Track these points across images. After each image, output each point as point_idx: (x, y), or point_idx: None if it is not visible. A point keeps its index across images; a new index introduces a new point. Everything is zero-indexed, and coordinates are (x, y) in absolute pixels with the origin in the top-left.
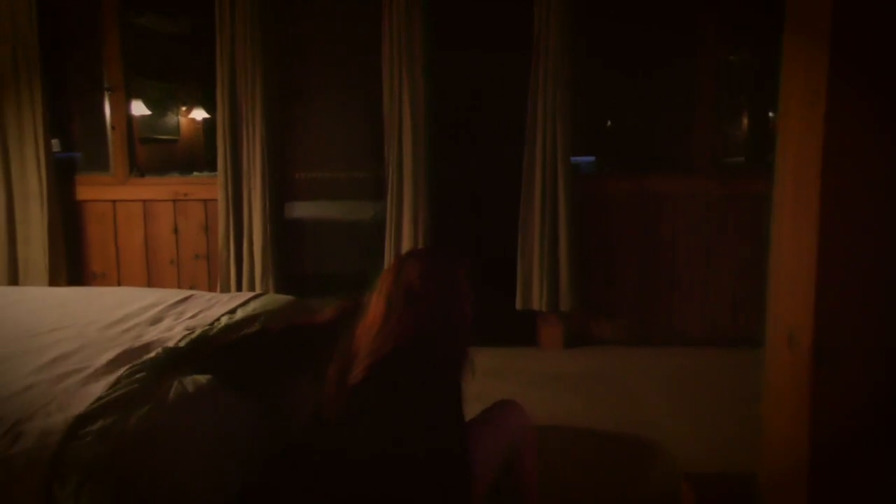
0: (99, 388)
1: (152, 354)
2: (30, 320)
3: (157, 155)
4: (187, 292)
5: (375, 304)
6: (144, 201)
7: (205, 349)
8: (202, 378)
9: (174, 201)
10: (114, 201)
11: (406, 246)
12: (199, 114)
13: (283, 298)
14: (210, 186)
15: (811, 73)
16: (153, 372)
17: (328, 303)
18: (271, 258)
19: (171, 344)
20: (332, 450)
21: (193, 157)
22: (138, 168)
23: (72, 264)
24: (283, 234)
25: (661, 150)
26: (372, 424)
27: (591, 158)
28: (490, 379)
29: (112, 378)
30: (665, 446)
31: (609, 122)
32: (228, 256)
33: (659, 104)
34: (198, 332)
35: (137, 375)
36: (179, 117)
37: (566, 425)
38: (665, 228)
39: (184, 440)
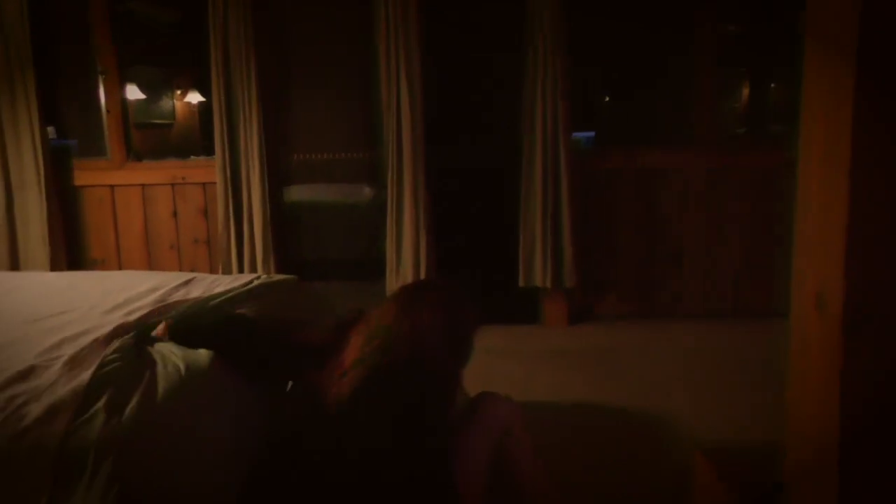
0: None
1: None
2: (32, 306)
3: (154, 140)
4: (189, 275)
5: (380, 319)
6: (143, 186)
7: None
8: (200, 357)
9: (172, 185)
10: (112, 186)
11: (408, 229)
12: (195, 97)
13: (285, 280)
14: (208, 169)
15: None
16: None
17: (330, 316)
18: (272, 241)
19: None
20: (323, 460)
21: (190, 141)
22: (135, 152)
23: (72, 251)
24: (283, 217)
25: (660, 123)
26: (358, 440)
27: (591, 134)
28: (494, 357)
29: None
30: (673, 419)
31: (607, 98)
32: (229, 240)
33: (658, 77)
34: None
35: (127, 347)
36: (174, 101)
37: (571, 401)
38: (667, 202)
39: (181, 422)
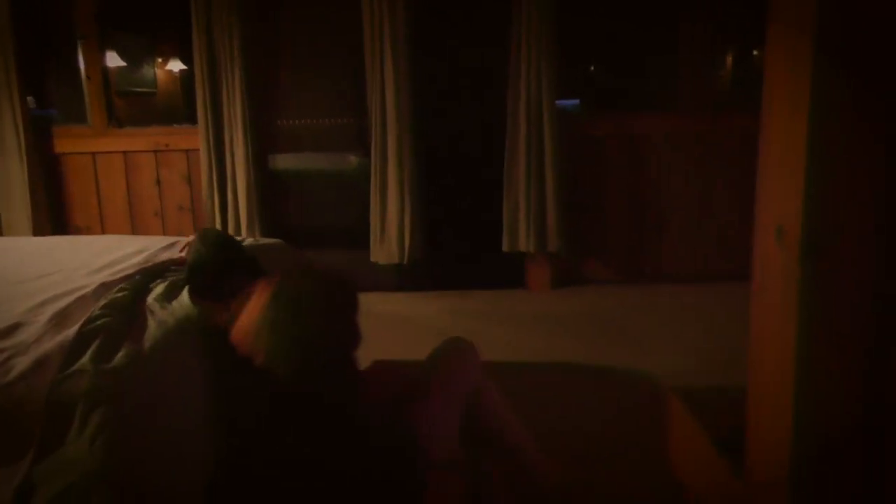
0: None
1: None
2: (15, 268)
3: (136, 108)
4: (173, 238)
5: (250, 314)
6: (125, 153)
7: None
8: (190, 311)
9: (155, 152)
10: (93, 153)
11: (392, 196)
12: (177, 65)
13: (272, 243)
14: (191, 136)
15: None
16: (137, 291)
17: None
18: (256, 208)
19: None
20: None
21: (173, 109)
22: (116, 119)
23: (55, 219)
24: (268, 185)
25: (646, 88)
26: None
27: (576, 102)
28: (478, 320)
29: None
30: (655, 373)
31: (592, 67)
32: (213, 207)
33: (643, 42)
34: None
35: (122, 295)
36: (156, 69)
37: (554, 361)
38: (653, 167)
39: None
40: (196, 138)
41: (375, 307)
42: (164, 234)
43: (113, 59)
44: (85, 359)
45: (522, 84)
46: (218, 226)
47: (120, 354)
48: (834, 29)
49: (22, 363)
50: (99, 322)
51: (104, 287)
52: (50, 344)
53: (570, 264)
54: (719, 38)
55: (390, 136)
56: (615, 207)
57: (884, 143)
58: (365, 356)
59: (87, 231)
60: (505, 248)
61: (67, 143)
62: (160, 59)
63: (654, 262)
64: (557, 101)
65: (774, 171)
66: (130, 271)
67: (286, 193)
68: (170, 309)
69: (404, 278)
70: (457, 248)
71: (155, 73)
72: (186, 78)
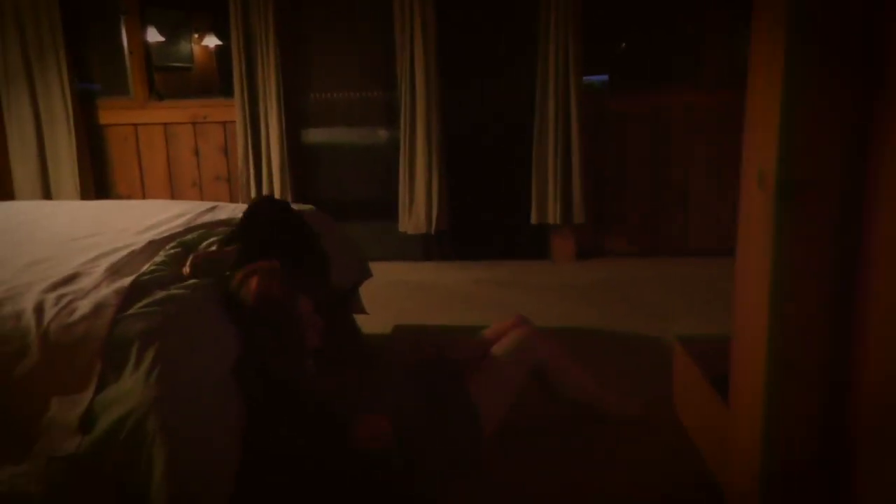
0: (144, 263)
1: (189, 237)
2: (68, 228)
3: (173, 83)
4: (213, 203)
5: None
6: (165, 124)
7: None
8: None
9: (194, 124)
10: (135, 125)
11: (420, 167)
12: (212, 41)
13: (305, 207)
14: (228, 108)
15: None
16: (189, 249)
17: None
18: (289, 180)
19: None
20: None
21: (208, 84)
22: (157, 92)
23: (99, 187)
24: (301, 157)
25: (673, 64)
26: None
27: (605, 77)
28: (503, 289)
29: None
30: (671, 338)
31: (623, 45)
32: (248, 177)
33: (670, 18)
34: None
35: (175, 251)
36: (192, 45)
37: (577, 326)
38: (676, 141)
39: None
40: (232, 110)
41: (402, 276)
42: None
43: (152, 35)
44: (140, 303)
45: (551, 60)
46: (253, 195)
47: (170, 299)
48: (802, 9)
49: (83, 306)
50: (151, 275)
51: (152, 245)
52: (107, 290)
53: (595, 237)
54: (744, 13)
55: (419, 109)
56: (638, 181)
57: (849, 102)
58: (389, 320)
59: (129, 198)
60: (533, 220)
61: (111, 114)
62: (196, 35)
63: (676, 236)
64: (585, 77)
65: (757, 126)
66: (174, 231)
67: (317, 166)
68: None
69: (431, 248)
70: (483, 221)
71: (191, 49)
72: (221, 53)
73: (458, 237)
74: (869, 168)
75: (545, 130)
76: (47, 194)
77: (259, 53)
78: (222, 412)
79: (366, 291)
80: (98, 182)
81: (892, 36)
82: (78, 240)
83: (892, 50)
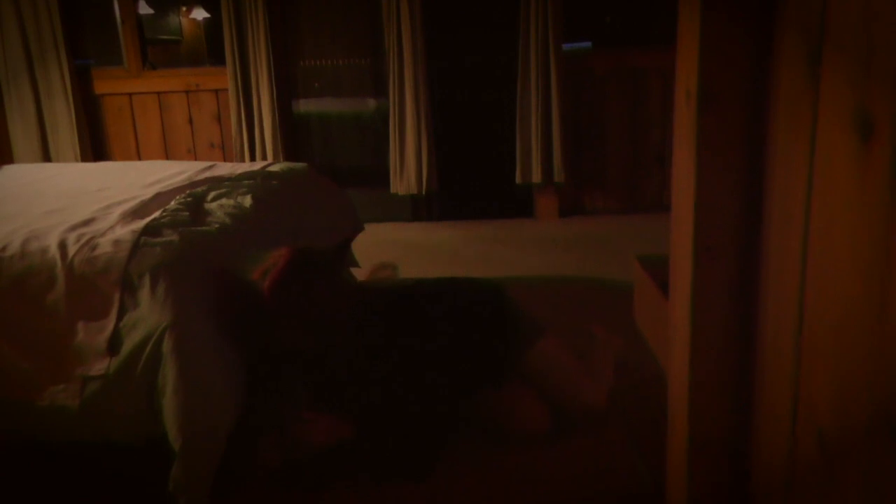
0: (156, 211)
1: (199, 189)
2: (76, 184)
3: (162, 57)
4: (211, 162)
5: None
6: (159, 93)
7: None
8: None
9: (187, 92)
10: (130, 94)
11: (410, 130)
12: (200, 13)
13: (299, 166)
14: (220, 77)
15: None
16: (199, 198)
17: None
18: (282, 147)
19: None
20: None
21: (197, 57)
22: (150, 62)
23: (97, 155)
24: (293, 126)
25: (651, 27)
26: None
27: (588, 44)
28: (488, 244)
29: (168, 206)
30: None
31: (608, 19)
32: (242, 144)
33: None
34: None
35: (186, 200)
36: (181, 18)
37: (555, 275)
38: (653, 102)
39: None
40: (225, 79)
41: (392, 234)
42: None
43: (142, 7)
44: (154, 240)
45: (532, 28)
46: (247, 162)
47: (182, 234)
48: None
49: (103, 243)
50: (163, 219)
51: (160, 196)
52: (123, 231)
53: (576, 195)
54: None
55: (407, 75)
56: (617, 141)
57: (752, 32)
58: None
59: None
60: (518, 179)
61: (106, 84)
62: (184, 8)
63: (654, 193)
64: (569, 44)
65: (683, 52)
66: (179, 185)
67: (309, 134)
68: (224, 207)
69: (420, 210)
70: (470, 182)
71: (180, 22)
72: (209, 26)
73: (446, 198)
74: (769, 82)
75: (527, 95)
76: (47, 161)
77: (249, 21)
78: (230, 339)
79: (357, 248)
80: (95, 151)
81: None
82: (88, 193)
83: None
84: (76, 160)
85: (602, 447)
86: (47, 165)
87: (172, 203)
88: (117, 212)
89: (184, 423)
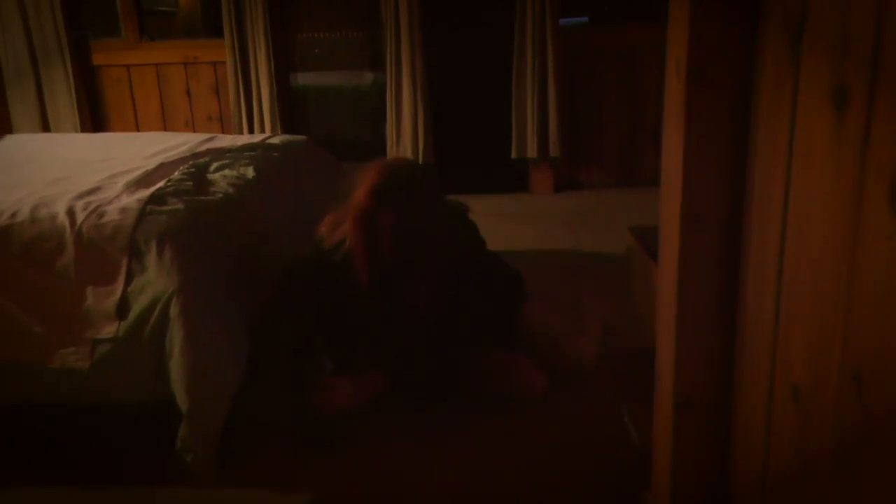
0: (160, 181)
1: (202, 160)
2: (79, 155)
3: (158, 27)
4: (212, 134)
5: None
6: (157, 65)
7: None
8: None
9: (185, 64)
10: (128, 66)
11: (407, 109)
12: None
13: (299, 139)
14: (219, 49)
15: None
16: (202, 169)
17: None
18: (280, 118)
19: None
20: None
21: (192, 28)
22: (148, 34)
23: (96, 126)
24: (291, 99)
25: (649, 1)
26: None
27: (585, 19)
28: (484, 216)
29: (173, 174)
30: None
31: None
32: (241, 117)
33: None
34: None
35: (190, 171)
36: None
37: (550, 248)
38: (650, 78)
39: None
40: (222, 51)
41: None
42: None
43: None
44: (160, 208)
45: (529, 2)
46: (245, 134)
47: (186, 203)
48: None
49: (110, 211)
50: (168, 189)
51: (163, 166)
52: (129, 199)
53: (571, 170)
54: None
55: (404, 48)
56: (613, 116)
57: (740, 12)
58: None
59: None
60: (514, 154)
61: (104, 56)
62: None
63: (649, 168)
64: (566, 19)
65: (674, 27)
66: (182, 156)
67: (306, 108)
68: (227, 178)
69: None
70: (466, 156)
71: None
72: None
73: (442, 172)
74: (755, 58)
75: (523, 70)
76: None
77: None
78: (237, 303)
79: None
80: (94, 122)
81: None
82: (91, 163)
83: None
84: (75, 131)
85: (593, 410)
86: (48, 136)
87: (176, 173)
88: (122, 181)
89: (191, 385)
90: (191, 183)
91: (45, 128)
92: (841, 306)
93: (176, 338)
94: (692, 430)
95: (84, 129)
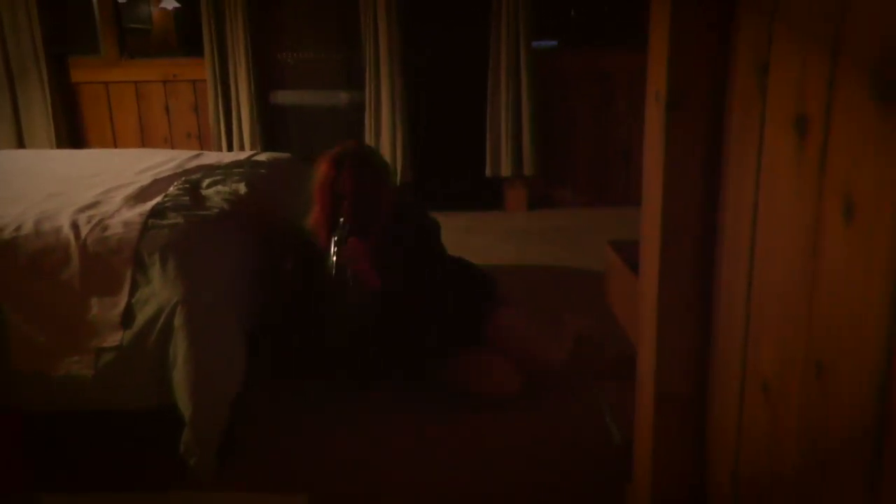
0: (156, 196)
1: (194, 176)
2: (69, 171)
3: (133, 46)
4: (197, 151)
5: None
6: (136, 83)
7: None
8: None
9: (164, 82)
10: (107, 83)
11: (385, 126)
12: (170, 3)
13: (283, 156)
14: (198, 67)
15: None
16: (195, 185)
17: None
18: (260, 136)
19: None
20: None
21: (166, 46)
22: (128, 51)
23: (73, 144)
24: (270, 117)
25: (617, 29)
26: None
27: (554, 43)
28: (462, 234)
29: (169, 190)
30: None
31: (573, 12)
32: (220, 134)
33: None
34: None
35: (185, 187)
36: (151, 7)
37: (525, 264)
38: (620, 102)
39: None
40: (202, 69)
41: None
42: None
43: None
44: (161, 222)
45: (503, 24)
46: (225, 151)
47: (186, 217)
48: None
49: (113, 224)
50: (167, 202)
51: (157, 182)
52: (130, 213)
53: (545, 189)
54: None
55: (382, 68)
56: (585, 138)
57: (715, 36)
58: None
59: None
60: (488, 173)
61: (83, 73)
62: None
63: (621, 188)
64: (536, 42)
65: (654, 61)
66: (173, 172)
67: (286, 126)
68: (221, 193)
69: None
70: (442, 174)
71: (150, 11)
72: (180, 15)
73: (419, 190)
74: (728, 88)
75: (497, 91)
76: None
77: (227, 12)
78: (236, 313)
79: None
80: (71, 139)
81: None
82: (83, 178)
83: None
84: (51, 147)
85: (574, 408)
86: (34, 152)
87: (172, 189)
88: (119, 196)
89: (194, 392)
90: (187, 198)
91: (21, 144)
92: (804, 305)
93: (180, 346)
94: (672, 422)
95: (60, 146)
